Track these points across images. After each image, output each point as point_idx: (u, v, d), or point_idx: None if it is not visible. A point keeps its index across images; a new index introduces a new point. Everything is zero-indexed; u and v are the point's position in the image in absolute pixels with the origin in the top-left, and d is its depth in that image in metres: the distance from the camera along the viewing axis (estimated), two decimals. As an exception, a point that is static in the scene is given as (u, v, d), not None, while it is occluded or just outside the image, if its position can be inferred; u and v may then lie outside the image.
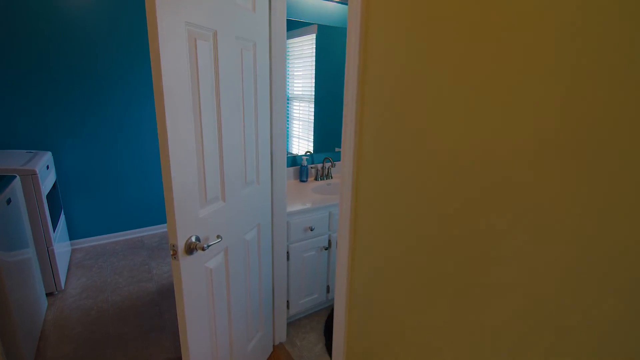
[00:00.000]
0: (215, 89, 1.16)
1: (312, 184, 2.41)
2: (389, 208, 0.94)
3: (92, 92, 2.82)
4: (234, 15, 1.20)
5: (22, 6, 2.46)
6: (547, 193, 0.60)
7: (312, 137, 2.61)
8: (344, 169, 1.07)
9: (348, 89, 0.98)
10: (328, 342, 1.99)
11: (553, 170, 0.59)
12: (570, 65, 0.54)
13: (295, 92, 2.55)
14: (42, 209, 2.19)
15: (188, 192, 1.07)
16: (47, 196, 2.31)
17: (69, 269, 2.69)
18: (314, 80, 2.50)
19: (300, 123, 2.62)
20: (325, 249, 2.10)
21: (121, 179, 3.11)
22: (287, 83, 2.46)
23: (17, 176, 1.98)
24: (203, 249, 1.08)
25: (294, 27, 2.35)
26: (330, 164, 2.56)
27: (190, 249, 1.09)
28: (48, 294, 2.35)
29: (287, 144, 2.59)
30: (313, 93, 2.53)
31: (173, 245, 1.05)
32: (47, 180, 2.37)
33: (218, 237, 1.19)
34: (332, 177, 2.57)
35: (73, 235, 3.01)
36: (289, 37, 2.35)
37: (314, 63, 2.47)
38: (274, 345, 1.94)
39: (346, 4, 2.48)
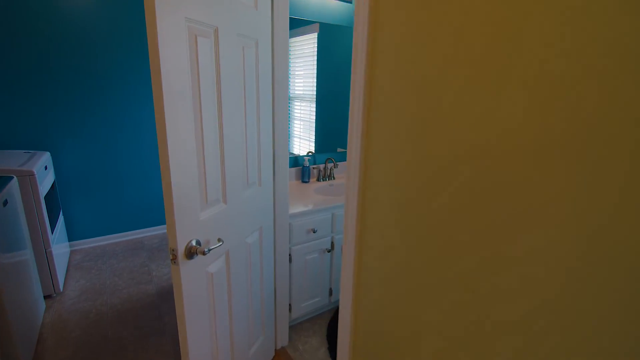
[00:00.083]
0: (216, 88, 1.13)
1: (314, 184, 2.37)
2: (397, 208, 0.91)
3: (91, 91, 2.79)
4: (235, 12, 1.17)
5: (22, 6, 2.43)
6: (555, 192, 0.57)
7: (313, 137, 2.58)
8: (349, 168, 1.03)
9: (355, 85, 0.95)
10: (331, 346, 1.95)
11: (571, 169, 0.55)
12: (581, 66, 0.52)
13: (296, 92, 2.51)
14: (40, 210, 2.15)
15: (188, 194, 1.03)
16: (46, 197, 2.27)
17: (67, 271, 2.66)
18: (315, 80, 2.47)
19: (302, 123, 2.58)
20: (328, 251, 2.06)
21: (121, 179, 3.08)
22: (289, 82, 2.43)
23: (15, 177, 1.95)
24: (204, 253, 1.05)
25: (296, 25, 2.31)
26: (332, 164, 2.52)
27: (190, 253, 1.05)
28: (46, 297, 2.32)
29: (289, 145, 2.56)
30: (314, 93, 2.50)
31: (173, 250, 1.01)
32: (46, 181, 2.34)
33: (219, 240, 1.16)
34: (334, 178, 2.53)
35: (72, 236, 2.98)
36: (290, 36, 2.31)
37: (315, 62, 2.44)
38: (275, 350, 1.91)
39: (349, 2, 2.44)
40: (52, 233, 2.33)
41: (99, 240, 3.10)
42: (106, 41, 2.76)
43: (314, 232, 1.93)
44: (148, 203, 3.26)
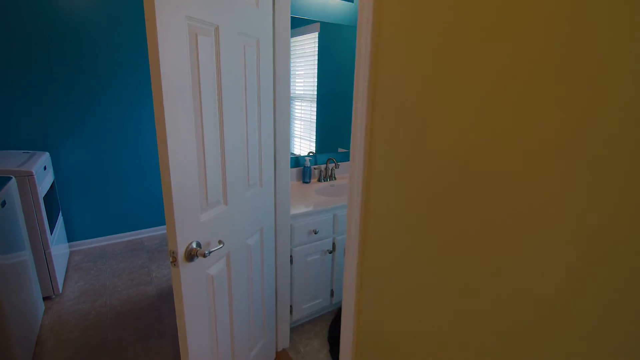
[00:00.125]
0: (217, 87, 1.11)
1: (315, 185, 2.36)
2: (402, 209, 0.89)
3: (91, 91, 2.77)
4: (236, 10, 1.15)
5: (21, 5, 2.41)
6: (555, 192, 0.55)
7: (314, 138, 2.56)
8: (353, 169, 1.01)
9: (359, 82, 0.93)
10: (332, 348, 1.94)
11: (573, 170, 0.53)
12: (576, 65, 0.51)
13: (297, 92, 2.49)
14: (39, 211, 2.14)
15: (188, 195, 1.02)
16: (45, 197, 2.25)
17: (66, 272, 2.64)
18: (316, 80, 2.45)
19: (302, 123, 2.57)
20: (330, 253, 2.04)
21: (121, 179, 3.06)
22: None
23: (13, 177, 1.93)
24: (204, 256, 1.03)
25: (296, 25, 2.30)
26: (334, 164, 2.50)
27: (190, 256, 1.03)
28: (45, 298, 2.30)
29: (290, 145, 2.54)
30: (315, 92, 2.48)
31: (172, 252, 0.99)
32: (45, 182, 2.32)
33: (220, 242, 1.14)
34: (335, 179, 2.51)
35: (71, 237, 2.96)
36: (291, 36, 2.29)
37: (316, 62, 2.42)
38: (277, 352, 1.89)
39: (350, 1, 2.42)
40: (51, 234, 2.31)
41: (98, 241, 3.08)
42: (106, 41, 2.74)
43: (316, 233, 1.92)
44: (148, 203, 3.25)
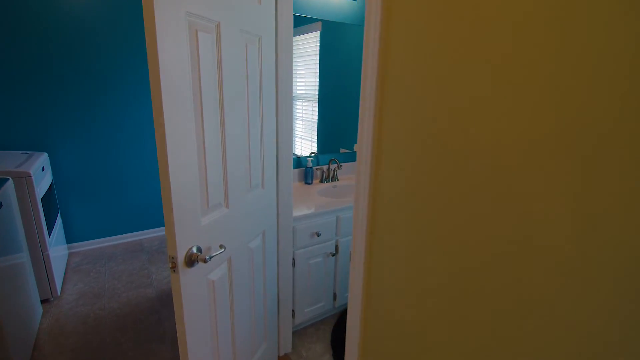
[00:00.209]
0: (218, 86, 1.07)
1: (317, 186, 2.32)
2: (411, 214, 0.85)
3: (91, 91, 2.74)
4: (238, 7, 1.11)
5: (21, 5, 2.37)
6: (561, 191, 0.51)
7: (315, 138, 2.52)
8: (359, 169, 0.98)
9: (366, 81, 0.89)
10: (335, 352, 1.90)
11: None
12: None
13: (298, 92, 2.46)
14: (37, 212, 2.10)
15: (188, 198, 0.98)
16: (43, 199, 2.22)
17: (65, 274, 2.61)
18: (317, 79, 2.41)
19: (304, 123, 2.53)
20: (332, 255, 2.01)
21: (120, 180, 3.02)
22: (292, 81, 2.37)
23: (10, 179, 1.89)
24: (205, 261, 0.99)
25: (298, 24, 2.26)
26: (336, 165, 2.47)
27: (191, 261, 0.99)
28: (43, 301, 2.26)
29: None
30: (317, 92, 2.44)
31: (172, 257, 0.95)
32: (43, 183, 2.28)
33: (221, 247, 1.10)
34: (338, 179, 2.48)
35: (70, 238, 2.92)
36: (293, 34, 2.25)
37: (317, 61, 2.38)
38: (279, 357, 1.85)
39: None
40: (50, 235, 2.28)
41: (97, 242, 3.04)
42: (106, 40, 2.70)
43: (318, 235, 1.88)
44: (148, 204, 3.21)
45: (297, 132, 2.57)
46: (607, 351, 0.54)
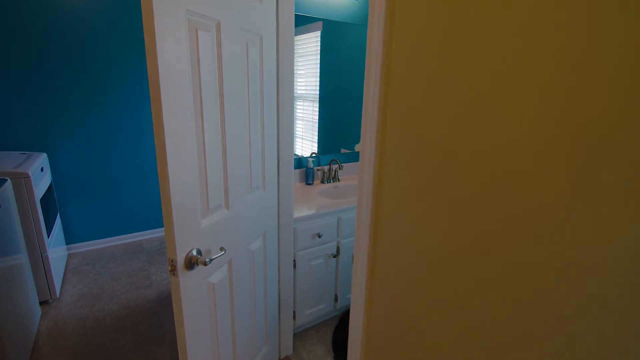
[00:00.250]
0: (219, 85, 1.05)
1: (318, 187, 2.30)
2: (416, 213, 0.83)
3: (90, 91, 2.72)
4: (239, 5, 1.09)
5: (20, 5, 2.36)
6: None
7: (316, 138, 2.50)
8: (362, 167, 0.96)
9: (370, 79, 0.87)
10: (336, 355, 1.88)
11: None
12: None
13: (298, 92, 2.44)
14: (36, 213, 2.08)
15: (188, 200, 0.96)
16: (42, 200, 2.20)
17: (64, 275, 2.59)
18: (318, 79, 2.40)
19: (304, 123, 2.51)
20: (334, 257, 1.99)
21: (120, 180, 3.01)
22: (293, 81, 2.35)
23: (8, 179, 1.88)
24: (205, 264, 0.97)
25: (299, 23, 2.24)
26: (337, 165, 2.45)
27: (190, 264, 0.98)
28: (42, 303, 2.25)
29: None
30: (317, 92, 2.42)
31: (172, 260, 0.94)
32: (42, 183, 2.27)
33: (221, 249, 1.09)
34: (339, 180, 2.46)
35: (70, 239, 2.90)
36: (294, 33, 2.24)
37: (318, 61, 2.36)
38: (279, 359, 1.83)
39: (354, -1, 2.37)
40: (49, 236, 2.26)
41: (97, 243, 3.02)
42: (105, 40, 2.69)
43: (319, 236, 1.86)
44: (148, 204, 3.19)
45: (297, 133, 2.55)
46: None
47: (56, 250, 2.41)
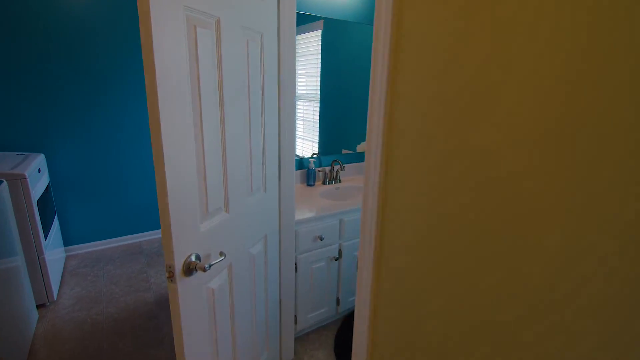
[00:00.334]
0: (218, 85, 1.02)
1: (319, 188, 2.26)
2: (424, 214, 0.80)
3: (89, 91, 2.68)
4: (239, 2, 1.06)
5: (20, 4, 2.32)
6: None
7: (317, 139, 2.47)
8: (368, 168, 0.92)
9: (375, 77, 0.84)
10: (339, 359, 1.85)
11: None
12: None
13: (299, 91, 2.40)
14: (32, 215, 2.05)
15: (187, 203, 0.93)
16: (39, 201, 2.17)
17: (62, 278, 2.55)
18: (319, 79, 2.36)
19: (305, 123, 2.48)
20: (336, 259, 1.95)
21: (119, 181, 2.97)
22: (294, 81, 2.32)
23: (4, 181, 1.84)
24: (204, 270, 0.94)
25: (299, 22, 2.20)
26: (339, 166, 2.41)
27: (189, 270, 0.94)
28: (39, 306, 2.21)
29: (293, 146, 2.45)
30: (318, 92, 2.39)
31: (169, 266, 0.90)
32: (39, 185, 2.23)
33: (221, 254, 1.05)
34: (340, 181, 2.42)
35: (68, 241, 2.87)
36: (295, 32, 2.20)
37: (319, 61, 2.33)
38: (280, 364, 1.80)
39: (356, -3, 2.33)
40: (46, 238, 2.23)
41: (95, 245, 2.99)
42: (104, 40, 2.65)
43: (321, 239, 1.83)
44: (147, 205, 3.16)
45: (298, 133, 2.51)
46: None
47: (54, 252, 2.38)
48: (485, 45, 0.62)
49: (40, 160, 2.36)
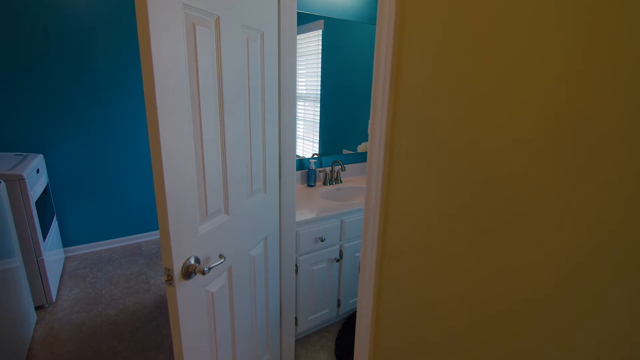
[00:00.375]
0: (218, 84, 1.00)
1: (320, 189, 2.25)
2: (428, 214, 0.78)
3: (89, 91, 2.67)
4: (239, 0, 1.04)
5: (19, 4, 2.31)
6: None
7: (317, 139, 2.45)
8: (370, 167, 0.90)
9: (378, 74, 0.82)
10: (340, 363, 1.83)
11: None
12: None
13: (299, 92, 2.39)
14: (31, 216, 2.03)
15: (185, 205, 0.91)
16: (37, 202, 2.15)
17: (61, 279, 2.54)
18: (319, 79, 2.34)
19: (305, 124, 2.46)
20: (337, 261, 1.93)
21: (118, 181, 2.95)
22: (294, 81, 2.30)
23: (2, 182, 1.82)
24: (203, 273, 0.92)
25: (299, 22, 2.19)
26: (340, 167, 2.39)
27: (188, 273, 0.92)
28: (37, 307, 2.19)
29: (294, 146, 2.43)
30: (319, 92, 2.37)
31: (168, 270, 0.88)
32: (37, 185, 2.21)
33: (221, 256, 1.03)
34: (341, 182, 2.40)
35: (67, 242, 2.85)
36: (296, 32, 2.18)
37: (319, 61, 2.31)
38: (281, 367, 1.78)
39: (357, -4, 2.31)
40: (44, 239, 2.21)
41: (95, 246, 2.97)
42: (103, 40, 2.63)
43: (322, 240, 1.81)
44: (147, 206, 3.14)
45: (298, 133, 2.50)
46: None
47: (52, 254, 2.36)
48: (485, 46, 0.61)
49: (39, 160, 2.35)
